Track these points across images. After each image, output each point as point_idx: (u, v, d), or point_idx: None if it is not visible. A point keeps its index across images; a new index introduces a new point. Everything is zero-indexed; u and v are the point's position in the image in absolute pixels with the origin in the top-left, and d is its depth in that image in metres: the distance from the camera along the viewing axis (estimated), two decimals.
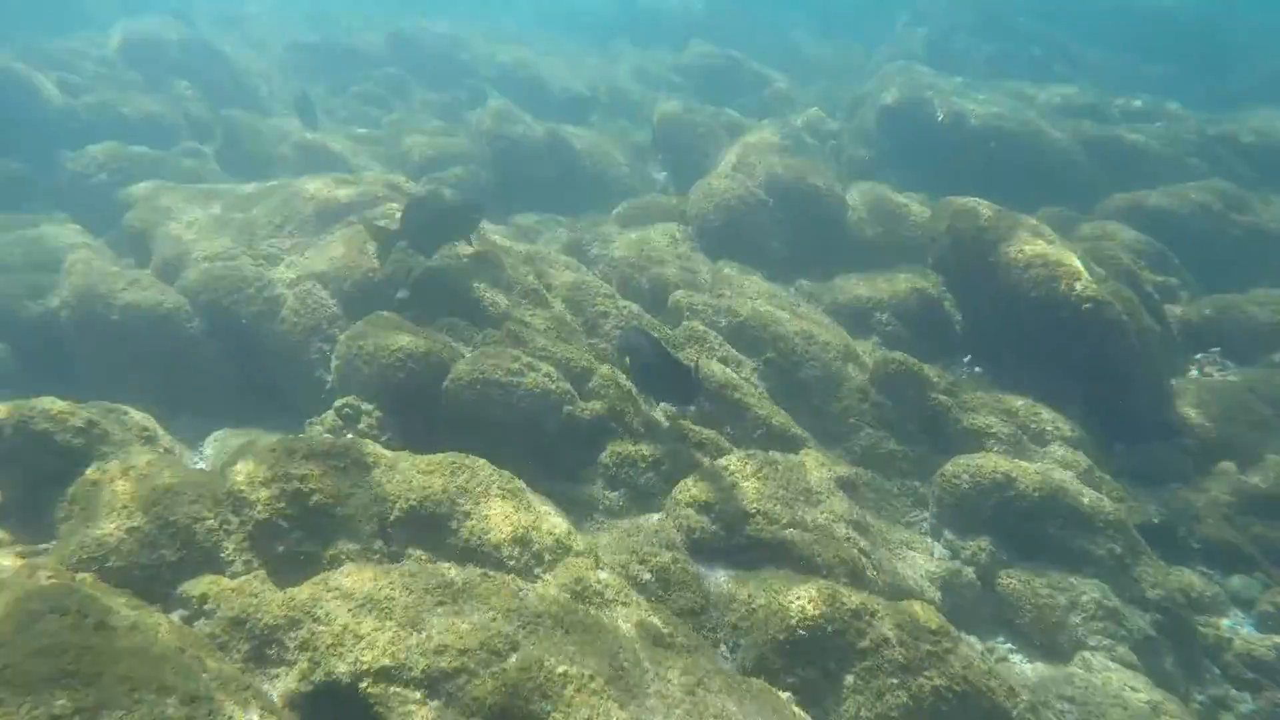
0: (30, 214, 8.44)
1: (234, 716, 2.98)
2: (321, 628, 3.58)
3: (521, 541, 4.15)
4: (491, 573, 3.94)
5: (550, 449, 5.30)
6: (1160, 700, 4.34)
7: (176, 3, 15.18)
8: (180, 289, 6.58)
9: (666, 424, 5.62)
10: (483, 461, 4.49)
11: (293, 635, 3.55)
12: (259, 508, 4.06)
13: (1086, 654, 4.70)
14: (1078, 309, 6.58)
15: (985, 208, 7.41)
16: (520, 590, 3.85)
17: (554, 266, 7.19)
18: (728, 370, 6.24)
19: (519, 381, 5.31)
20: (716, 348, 6.56)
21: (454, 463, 4.41)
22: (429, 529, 4.18)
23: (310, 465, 4.23)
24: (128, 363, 6.28)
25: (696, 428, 5.59)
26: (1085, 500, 5.27)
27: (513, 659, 3.50)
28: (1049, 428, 6.22)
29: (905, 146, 11.22)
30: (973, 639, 4.84)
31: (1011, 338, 7.04)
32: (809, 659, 3.91)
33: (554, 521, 4.33)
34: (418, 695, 3.38)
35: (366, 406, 5.40)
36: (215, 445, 5.71)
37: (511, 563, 4.08)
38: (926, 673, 3.81)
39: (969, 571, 5.16)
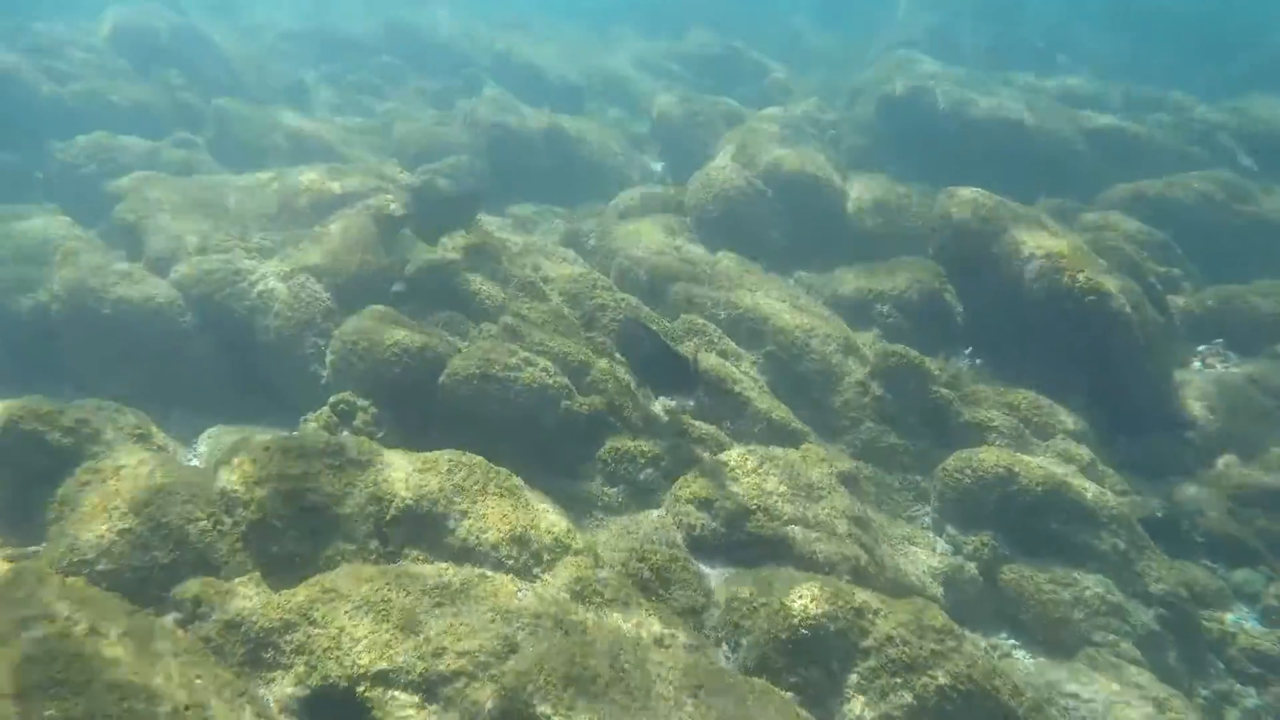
0: (19, 205, 8.31)
1: None
2: (318, 631, 3.53)
3: (520, 541, 4.10)
4: (490, 573, 3.89)
5: (548, 444, 5.24)
6: (1165, 697, 4.30)
7: None
8: (172, 283, 6.48)
9: (666, 419, 5.55)
10: (480, 459, 4.43)
11: (288, 638, 3.50)
12: (253, 508, 4.00)
13: (1090, 650, 4.66)
14: (1081, 301, 6.52)
15: (987, 198, 7.34)
16: (519, 591, 3.80)
17: (551, 259, 7.11)
18: (727, 364, 6.17)
19: (516, 376, 5.24)
20: (716, 341, 6.49)
21: (451, 461, 4.34)
22: (426, 528, 4.12)
23: (305, 464, 4.16)
24: (120, 358, 6.19)
25: (696, 423, 5.52)
26: (1088, 495, 5.22)
27: (512, 661, 3.45)
28: (1051, 421, 6.17)
29: (905, 136, 11.12)
30: (976, 635, 4.80)
31: (1013, 330, 6.98)
32: (812, 658, 3.86)
33: (552, 520, 4.28)
34: (416, 699, 3.33)
35: (362, 403, 5.33)
36: (209, 442, 5.63)
37: (510, 562, 4.02)
38: (931, 672, 3.76)
39: (971, 567, 5.12)
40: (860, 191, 8.99)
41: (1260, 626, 5.00)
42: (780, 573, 4.32)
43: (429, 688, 3.37)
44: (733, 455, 5.07)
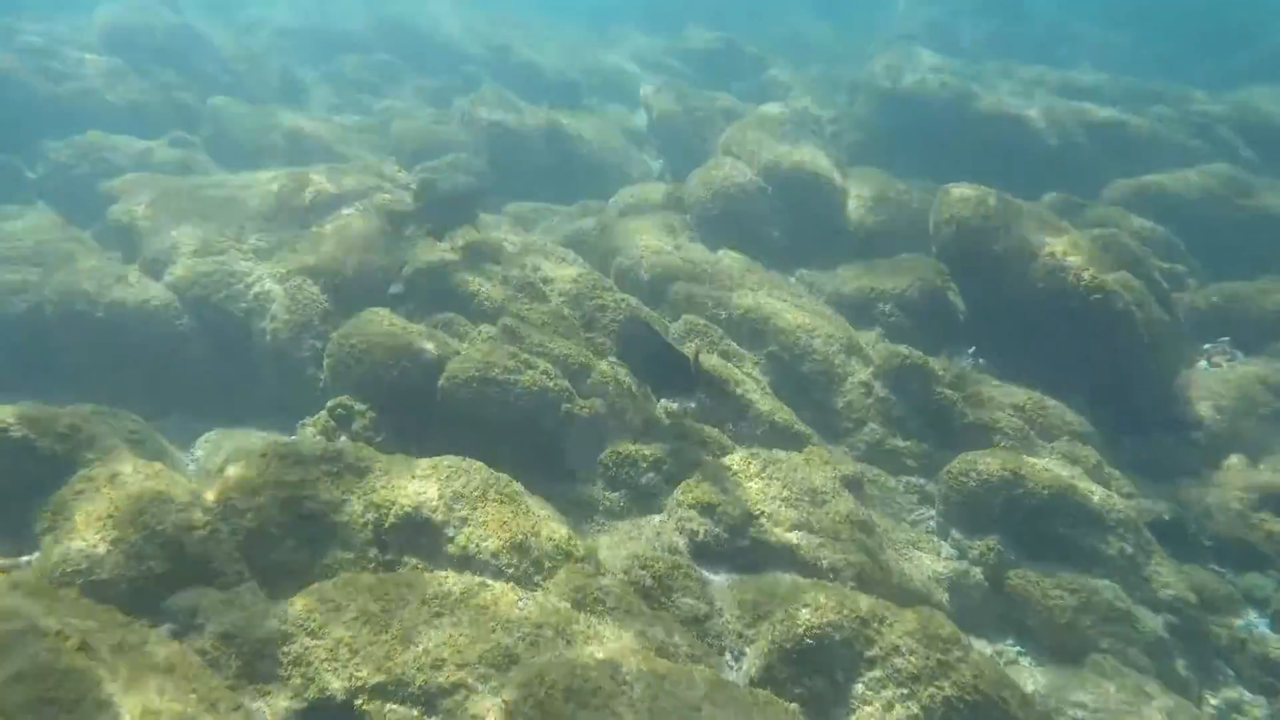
0: (13, 205, 8.24)
1: None
2: (315, 642, 3.47)
3: (520, 548, 4.04)
4: (490, 581, 3.83)
5: (548, 448, 5.17)
6: (1174, 706, 4.25)
7: None
8: (168, 285, 6.41)
9: (667, 422, 5.49)
10: (479, 465, 4.37)
11: (285, 650, 3.44)
12: (249, 516, 3.94)
13: (1098, 657, 4.61)
14: (1085, 299, 6.46)
15: (990, 195, 7.26)
16: (520, 600, 3.74)
17: (550, 258, 7.03)
18: (729, 365, 6.10)
19: (516, 379, 5.17)
20: (717, 341, 6.42)
21: (450, 467, 4.28)
22: (425, 536, 4.06)
23: (302, 471, 4.10)
24: (115, 361, 6.13)
25: (698, 425, 5.46)
26: (1095, 498, 5.16)
27: (513, 673, 3.39)
28: (1056, 422, 6.10)
29: (906, 131, 11.02)
30: (981, 641, 4.75)
31: (1017, 328, 6.91)
32: (816, 668, 3.81)
33: (553, 527, 4.22)
34: (415, 713, 3.27)
35: (360, 406, 5.26)
36: (207, 446, 5.58)
37: (510, 570, 3.96)
38: (938, 682, 3.71)
39: (977, 572, 5.06)
40: (861, 188, 8.91)
41: (1271, 632, 4.94)
42: (784, 580, 4.27)
43: (428, 700, 3.31)
44: (735, 459, 5.01)
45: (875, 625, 3.87)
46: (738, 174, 8.81)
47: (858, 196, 8.82)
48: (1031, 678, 4.56)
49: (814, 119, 10.76)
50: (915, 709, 3.64)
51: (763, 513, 4.63)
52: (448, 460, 4.34)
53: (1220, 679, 4.73)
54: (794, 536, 4.55)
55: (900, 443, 6.01)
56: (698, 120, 11.62)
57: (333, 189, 7.40)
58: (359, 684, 3.33)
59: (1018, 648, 4.80)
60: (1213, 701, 4.57)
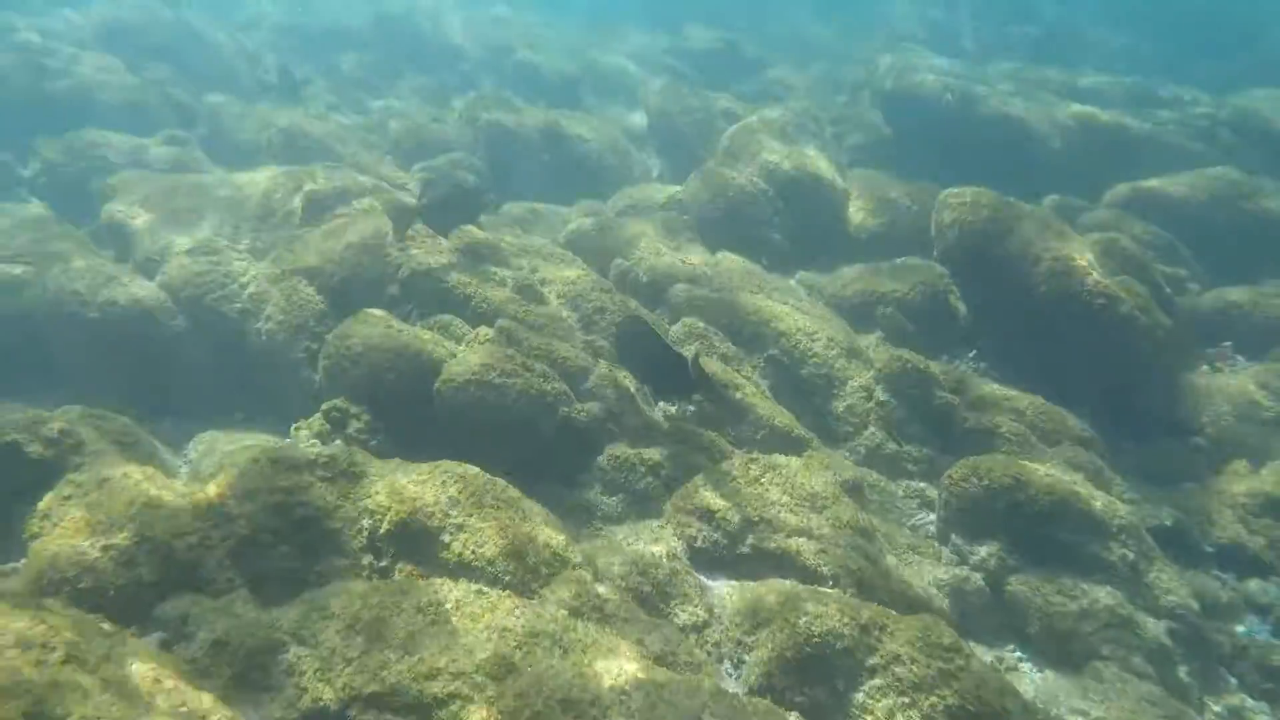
0: (6, 203, 8.17)
1: None
2: (308, 651, 3.42)
3: (517, 555, 3.98)
4: (486, 588, 3.78)
5: (546, 452, 5.12)
6: (1176, 714, 4.21)
7: None
8: (161, 285, 6.35)
9: (666, 425, 5.44)
10: (476, 470, 4.31)
11: (278, 659, 3.38)
12: (242, 522, 3.88)
13: (1099, 664, 4.56)
14: (1088, 304, 6.41)
15: (991, 198, 7.21)
16: (516, 608, 3.69)
17: (548, 260, 6.97)
18: (729, 368, 6.05)
19: (513, 382, 5.11)
20: (717, 345, 6.37)
21: (446, 472, 4.22)
22: (421, 542, 4.00)
23: (295, 476, 4.04)
24: (108, 361, 6.06)
25: (697, 429, 5.41)
26: (1097, 504, 5.12)
27: (509, 683, 3.34)
28: (1058, 426, 6.06)
29: (907, 133, 10.97)
30: (982, 648, 4.70)
31: (1019, 332, 6.87)
32: (817, 676, 3.76)
33: (550, 533, 4.16)
34: None
35: (355, 409, 5.21)
36: (200, 449, 5.51)
37: (507, 577, 3.91)
38: (939, 691, 3.66)
39: (978, 578, 5.02)
40: (862, 190, 8.86)
41: (1273, 639, 4.90)
42: (784, 587, 4.21)
43: (423, 711, 3.26)
44: (735, 464, 4.96)
45: (876, 633, 3.82)
46: (738, 175, 8.76)
47: (859, 199, 8.77)
48: (1032, 684, 4.51)
49: (815, 120, 10.71)
50: (917, 718, 3.59)
51: (762, 518, 4.59)
52: (444, 465, 4.28)
53: (1222, 686, 4.69)
54: (794, 543, 4.50)
55: (901, 447, 5.96)
56: (698, 121, 11.55)
57: (329, 188, 7.34)
58: (353, 694, 3.27)
59: (1019, 654, 4.75)
60: (1215, 708, 4.53)
